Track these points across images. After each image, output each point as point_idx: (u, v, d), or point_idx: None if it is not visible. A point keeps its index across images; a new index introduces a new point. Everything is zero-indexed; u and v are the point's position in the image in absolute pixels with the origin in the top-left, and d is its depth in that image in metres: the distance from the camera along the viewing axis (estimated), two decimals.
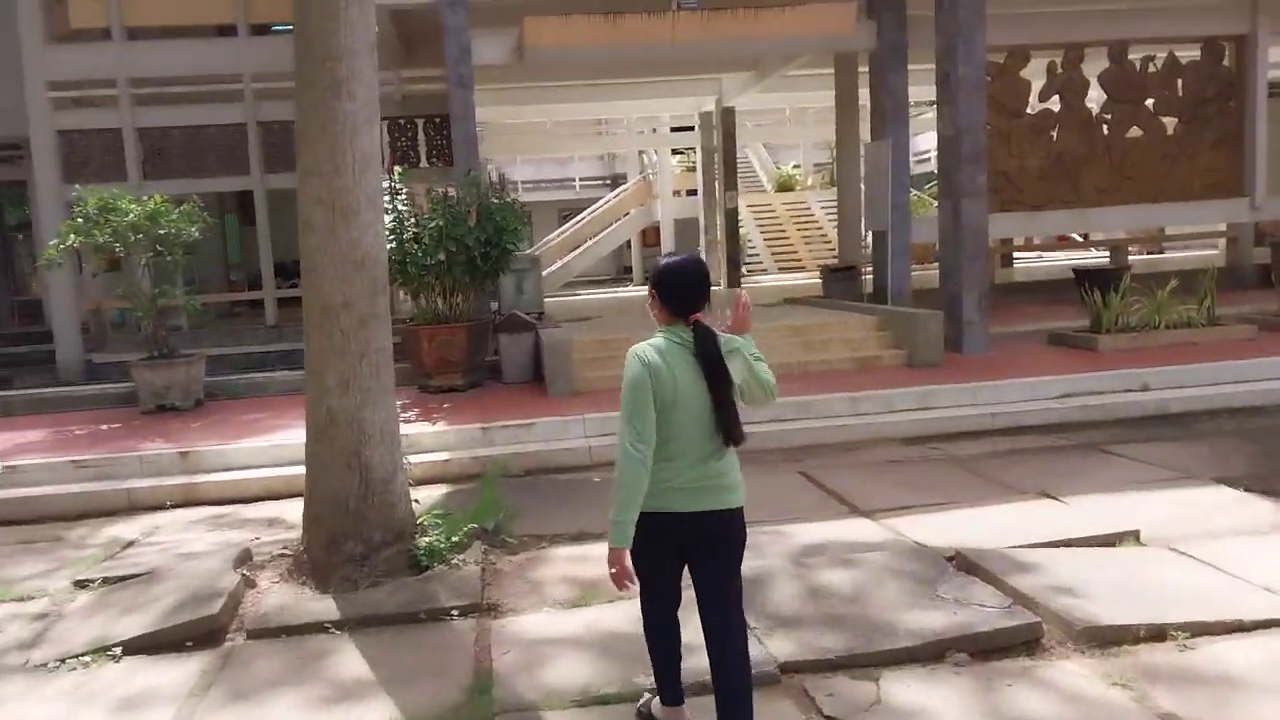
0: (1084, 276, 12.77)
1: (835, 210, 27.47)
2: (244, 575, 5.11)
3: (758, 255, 25.85)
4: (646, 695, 3.50)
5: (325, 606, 4.74)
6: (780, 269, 24.82)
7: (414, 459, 7.62)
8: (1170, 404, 8.38)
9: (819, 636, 3.99)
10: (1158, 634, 3.86)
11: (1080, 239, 22.73)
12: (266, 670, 4.15)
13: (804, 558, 5.01)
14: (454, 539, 5.29)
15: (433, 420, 8.47)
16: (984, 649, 3.87)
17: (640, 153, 31.93)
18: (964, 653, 3.83)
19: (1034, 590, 4.28)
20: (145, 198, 9.40)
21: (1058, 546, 4.95)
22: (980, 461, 7.09)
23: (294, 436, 7.06)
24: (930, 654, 3.83)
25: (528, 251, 12.97)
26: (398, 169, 9.82)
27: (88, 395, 10.57)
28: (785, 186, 30.43)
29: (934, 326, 9.68)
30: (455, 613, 4.62)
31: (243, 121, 13.96)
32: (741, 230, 22.48)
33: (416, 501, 5.60)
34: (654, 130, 25.73)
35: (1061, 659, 3.80)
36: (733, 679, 3.07)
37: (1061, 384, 8.66)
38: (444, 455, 7.74)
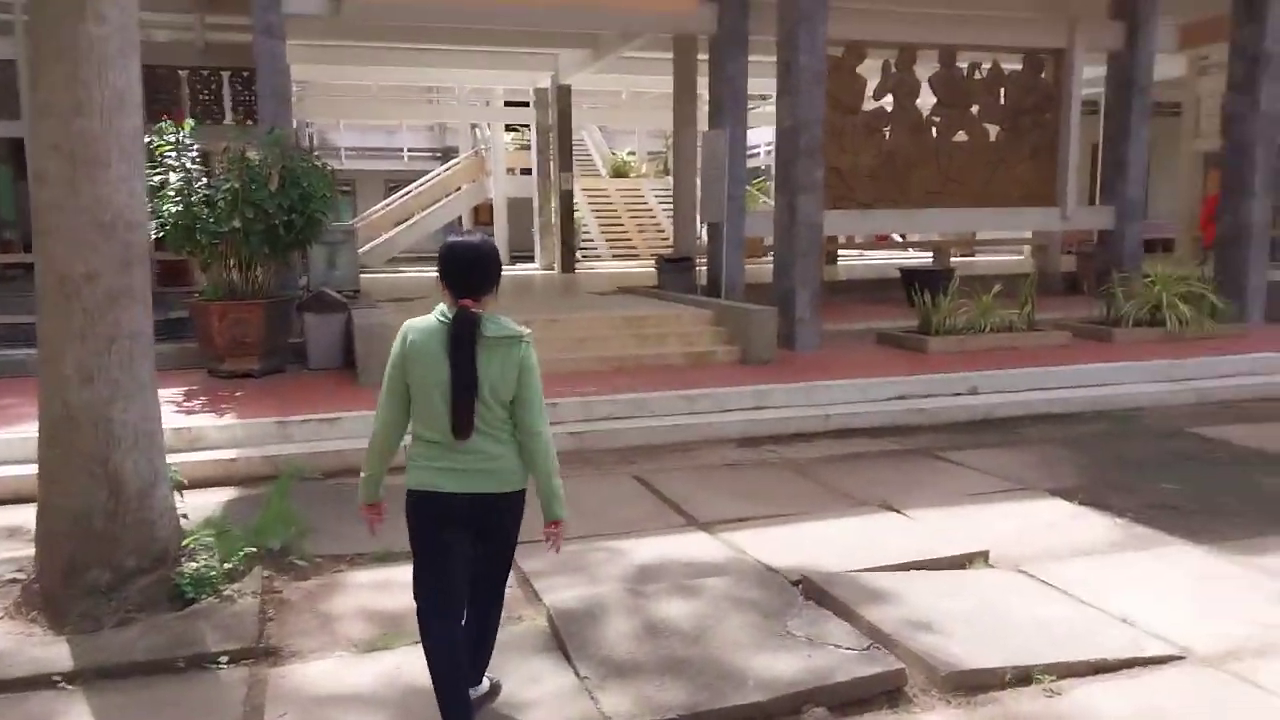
0: (911, 277, 12.95)
1: (670, 199, 27.45)
2: None
3: (593, 240, 25.33)
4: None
5: (56, 652, 3.81)
6: (615, 256, 24.41)
7: (194, 456, 6.63)
8: (997, 409, 8.42)
9: (659, 690, 3.45)
10: (1023, 677, 3.55)
11: (900, 239, 23.54)
12: None
13: (641, 583, 4.48)
14: (229, 564, 4.43)
15: (220, 411, 7.42)
16: (843, 701, 3.44)
17: (473, 126, 30.67)
18: (822, 706, 3.39)
19: (891, 625, 3.91)
20: None
21: (908, 570, 4.63)
22: (818, 467, 6.81)
23: None
24: (785, 709, 3.37)
25: (345, 223, 11.88)
26: (189, 122, 8.60)
27: None
28: (620, 173, 30.06)
29: (768, 323, 9.41)
30: (224, 659, 3.80)
31: (12, 58, 12.23)
32: (576, 214, 21.88)
33: (184, 516, 4.69)
34: (487, 104, 24.65)
35: (927, 710, 3.42)
36: (482, 639, 3.29)
37: (894, 386, 8.56)
38: (230, 453, 6.76)
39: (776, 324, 9.46)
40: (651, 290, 12.54)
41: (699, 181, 12.22)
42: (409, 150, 34.37)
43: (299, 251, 9.23)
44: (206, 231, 8.15)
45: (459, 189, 27.40)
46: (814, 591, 4.33)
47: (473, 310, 2.90)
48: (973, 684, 3.56)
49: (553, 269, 19.86)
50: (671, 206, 26.76)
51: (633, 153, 32.10)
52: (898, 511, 5.64)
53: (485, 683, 3.37)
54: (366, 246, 26.13)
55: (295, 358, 9.28)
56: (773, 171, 12.19)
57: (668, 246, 24.63)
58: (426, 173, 29.37)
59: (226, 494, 6.22)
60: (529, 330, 3.04)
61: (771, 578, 4.53)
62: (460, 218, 29.40)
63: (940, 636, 3.83)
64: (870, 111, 12.48)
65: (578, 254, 20.68)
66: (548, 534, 3.12)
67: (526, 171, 24.75)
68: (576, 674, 3.62)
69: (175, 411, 7.40)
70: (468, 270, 2.94)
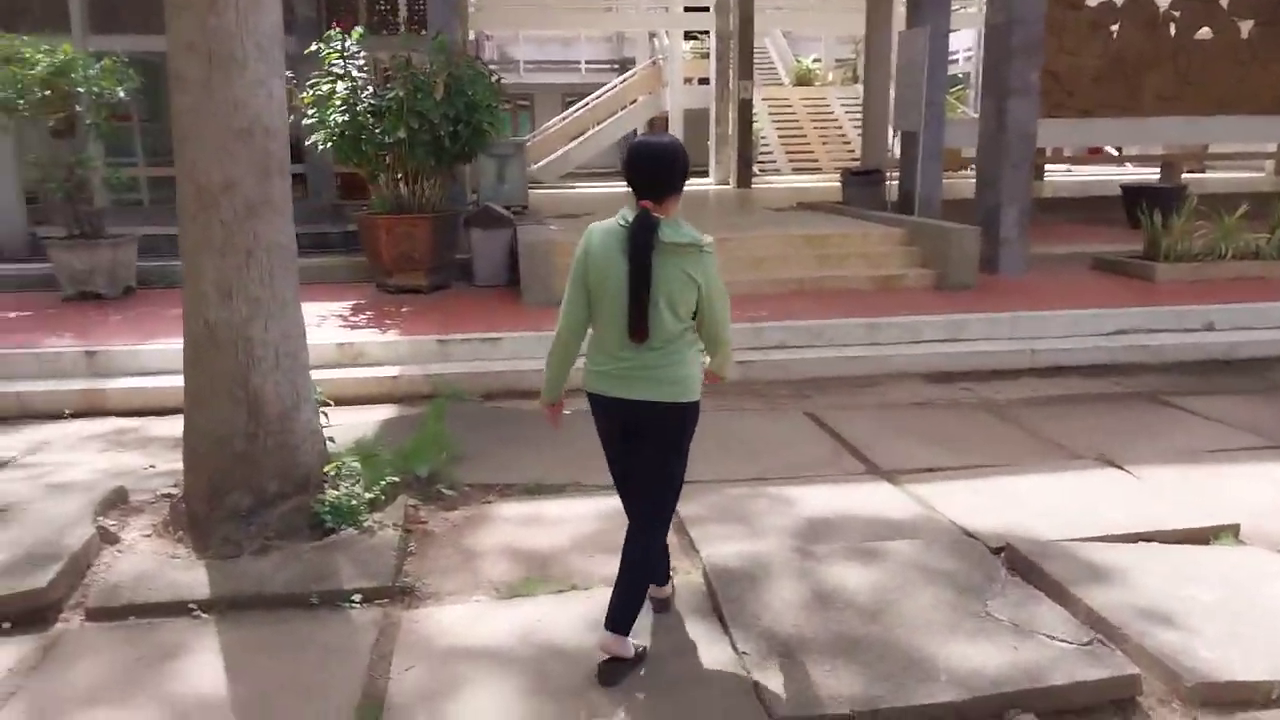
0: (1136, 195, 11.44)
1: (858, 110, 25.77)
2: (100, 528, 4.03)
3: (771, 154, 24.25)
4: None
5: (194, 578, 3.68)
6: (795, 170, 23.30)
7: (357, 373, 6.55)
8: (1240, 348, 7.23)
9: (829, 675, 2.92)
10: None
11: (1116, 152, 21.22)
12: (90, 674, 3.11)
13: (810, 542, 3.93)
14: (372, 492, 4.21)
15: (384, 327, 7.31)
16: (1059, 708, 2.81)
17: (651, 35, 29.87)
18: (1030, 713, 2.77)
19: (1119, 615, 3.20)
20: (58, 49, 8.00)
21: (1137, 542, 3.86)
22: (1021, 410, 5.98)
23: None
24: (985, 712, 2.78)
25: (518, 137, 11.57)
26: (357, 30, 8.38)
27: (14, 276, 9.38)
28: (804, 81, 28.52)
29: (969, 243, 8.44)
30: (357, 598, 3.56)
31: None
32: (755, 126, 20.88)
33: (331, 440, 4.49)
34: (666, 9, 23.76)
35: None
36: (627, 581, 2.99)
37: (1114, 318, 7.49)
38: (393, 370, 6.63)
39: (979, 245, 8.47)
40: (836, 206, 11.65)
41: (893, 87, 11.12)
42: (586, 63, 33.93)
43: (466, 164, 8.95)
44: (372, 142, 7.99)
45: (635, 101, 26.80)
46: (1020, 564, 3.65)
47: (652, 214, 2.77)
48: (1227, 699, 2.85)
49: (728, 184, 19.09)
50: (860, 116, 25.31)
51: (818, 60, 30.37)
52: (1120, 468, 4.80)
53: (630, 645, 3.00)
54: (541, 161, 26.14)
55: (462, 274, 9.12)
56: (975, 77, 10.94)
57: (854, 160, 23.32)
58: (604, 85, 28.90)
59: (386, 412, 6.08)
60: (710, 239, 2.86)
61: (968, 544, 3.87)
62: (636, 131, 28.91)
63: (1183, 633, 3.10)
64: (1097, 6, 10.92)
65: (754, 168, 19.76)
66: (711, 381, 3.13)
67: (704, 81, 23.84)
68: (734, 647, 3.15)
69: (341, 326, 7.35)
70: (648, 171, 2.81)
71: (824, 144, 24.32)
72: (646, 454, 2.97)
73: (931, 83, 10.27)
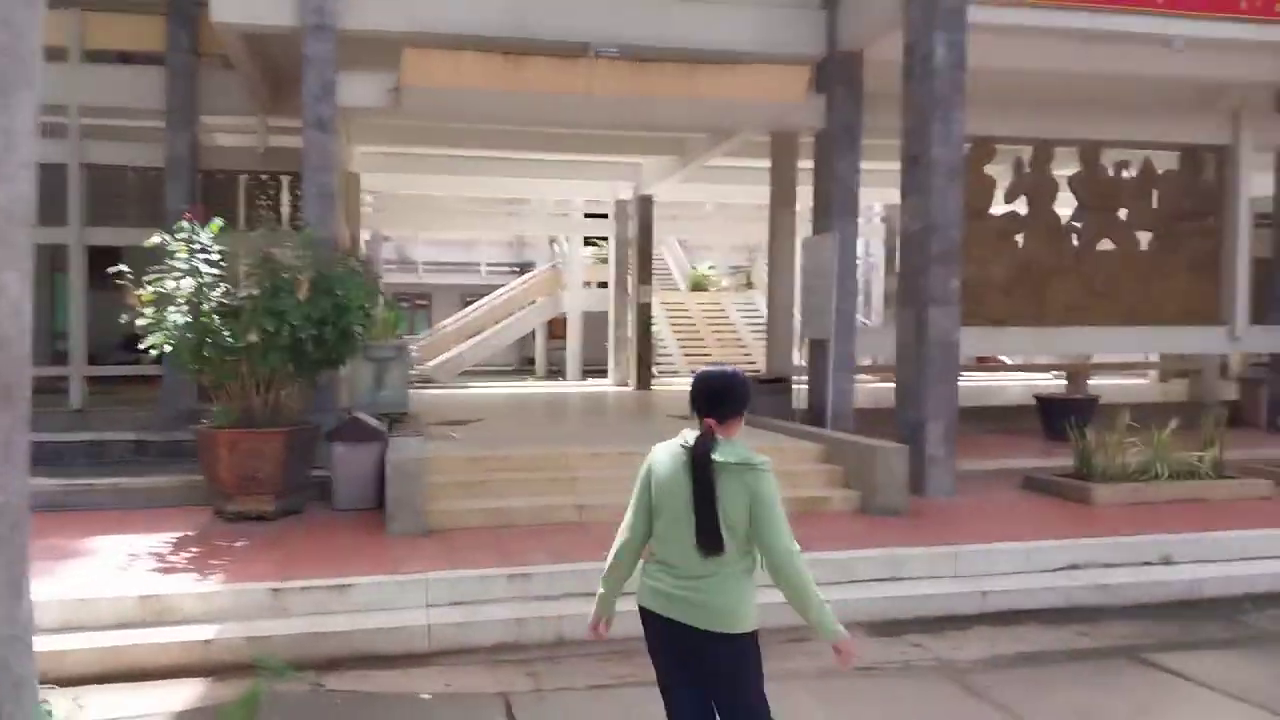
0: (1051, 405, 11.04)
1: (753, 314, 26.06)
2: None
3: (670, 356, 23.89)
4: None
5: None
6: (692, 371, 22.87)
7: (159, 636, 5.11)
8: (1203, 585, 6.43)
9: None
10: None
11: (1006, 361, 21.48)
12: None
13: None
14: None
15: (207, 570, 5.89)
16: None
17: (551, 241, 30.05)
18: None
19: None
20: None
21: None
22: (988, 678, 4.92)
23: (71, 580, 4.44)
24: None
25: (397, 340, 10.60)
26: (215, 221, 7.40)
27: None
28: (700, 287, 28.83)
29: (897, 463, 7.62)
30: None
31: (64, 162, 11.58)
32: (654, 328, 20.51)
33: None
34: (566, 216, 23.82)
35: None
36: None
37: (1063, 551, 6.64)
38: (206, 631, 5.19)
39: (907, 465, 7.66)
40: None
41: (798, 293, 10.66)
42: (487, 264, 33.88)
43: (332, 371, 7.84)
44: (220, 346, 6.83)
45: (534, 302, 26.47)
46: None
47: (713, 432, 2.94)
48: None
49: (627, 385, 18.38)
50: (755, 322, 25.54)
51: (713, 267, 30.94)
52: None
53: None
54: (436, 360, 25.24)
55: (321, 495, 7.81)
56: (866, 285, 10.61)
57: (750, 362, 23.15)
58: (502, 287, 28.61)
59: (183, 694, 4.63)
60: (765, 459, 2.96)
61: None
62: (534, 331, 28.44)
63: None
64: (1001, 216, 10.86)
65: (654, 369, 19.17)
66: (836, 658, 3.01)
67: (603, 285, 23.68)
68: None
69: (153, 569, 5.91)
70: (706, 393, 3.03)
71: (721, 347, 24.15)
72: (709, 693, 2.98)
73: (841, 290, 9.83)
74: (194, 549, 6.42)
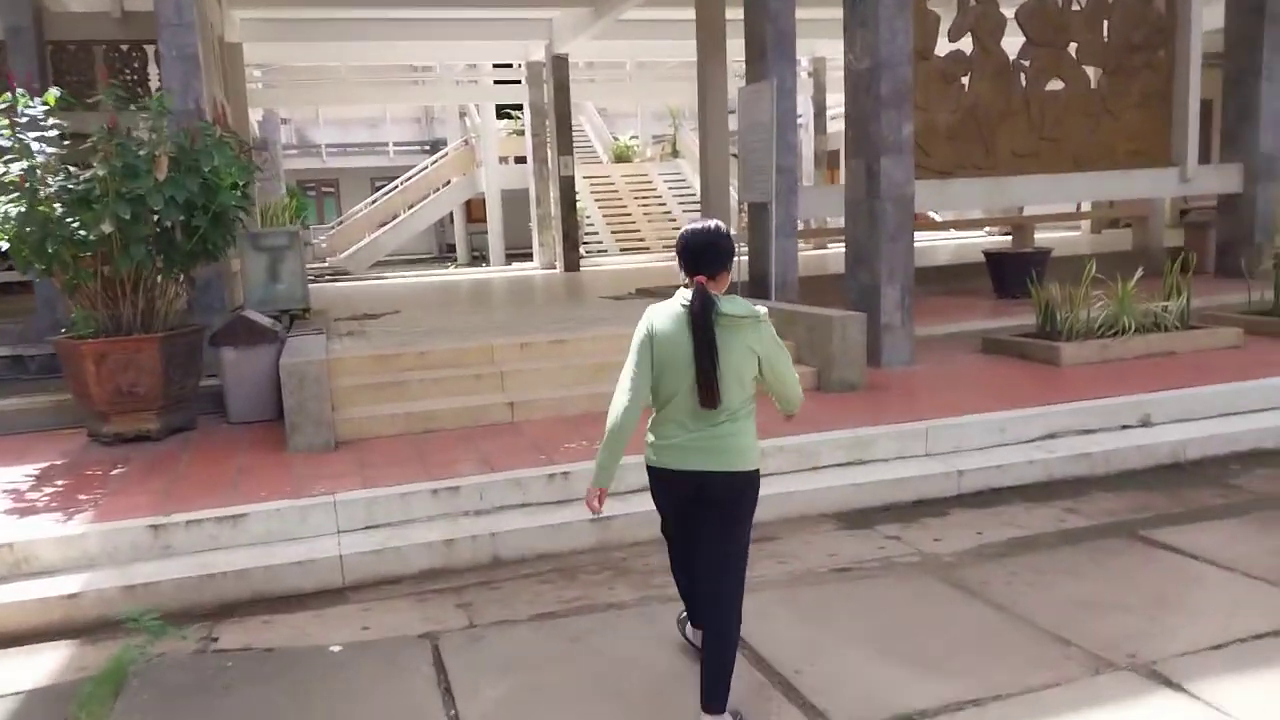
0: (1001, 261, 10.51)
1: (681, 184, 25.00)
2: None
3: (597, 234, 22.89)
4: (683, 611, 3.59)
5: None
6: (622, 250, 21.97)
7: (16, 592, 4.29)
8: (1186, 447, 6.00)
9: None
10: None
11: (935, 218, 21.02)
12: None
13: None
14: None
15: (74, 507, 5.01)
16: None
17: (462, 114, 28.28)
18: None
19: None
20: None
21: None
22: (979, 570, 4.40)
23: None
24: None
25: (292, 226, 9.48)
26: (52, 92, 6.16)
27: None
28: (623, 158, 27.61)
29: (853, 333, 6.98)
30: None
31: None
32: (579, 205, 19.43)
33: None
34: (475, 82, 22.20)
35: None
36: (710, 657, 3.03)
37: (1038, 420, 6.13)
38: (73, 583, 4.38)
39: (864, 334, 7.02)
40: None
41: (735, 153, 9.77)
42: (395, 144, 31.92)
43: (213, 264, 6.79)
44: (66, 240, 5.73)
45: (449, 183, 25.01)
46: None
47: (708, 289, 2.97)
48: None
49: (554, 267, 17.44)
50: (683, 193, 24.50)
51: (635, 136, 29.62)
52: (1171, 683, 3.23)
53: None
54: (348, 250, 23.81)
55: (217, 406, 6.89)
56: (803, 146, 9.78)
57: (676, 235, 22.21)
58: (414, 167, 26.94)
59: (46, 661, 3.83)
60: (764, 310, 3.07)
61: None
62: (451, 214, 27.02)
63: None
64: (946, 56, 10.00)
65: (581, 249, 18.23)
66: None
67: (521, 160, 22.33)
68: None
69: (5, 510, 5.00)
70: (701, 250, 3.02)
71: (650, 221, 23.23)
72: (714, 528, 3.09)
73: (781, 145, 8.96)
74: (61, 481, 5.51)
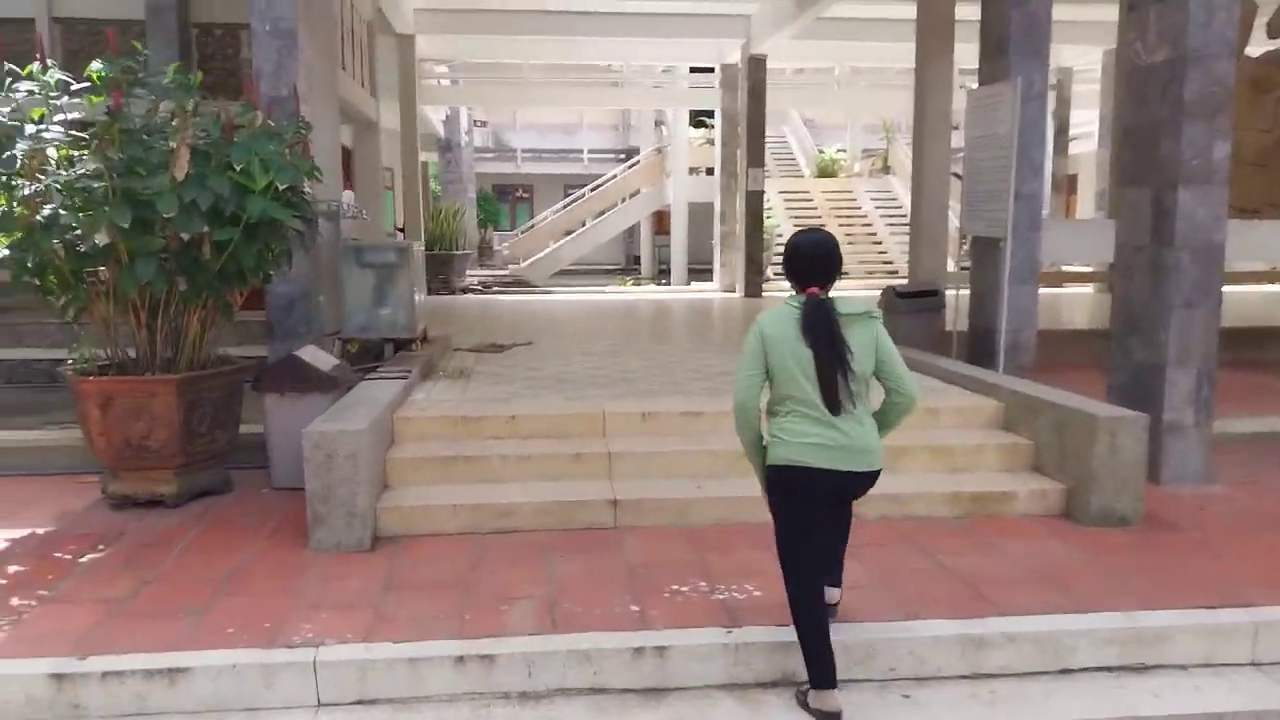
0: None
1: (891, 204, 22.49)
2: None
3: None
4: (801, 685, 3.28)
5: None
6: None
7: None
8: None
9: None
10: None
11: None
12: None
13: None
14: None
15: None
16: None
17: (658, 123, 26.96)
18: None
19: None
20: None
21: None
22: None
23: None
24: None
25: (398, 241, 8.12)
26: (51, 63, 4.90)
27: None
28: (827, 173, 25.34)
29: (1128, 441, 4.71)
30: None
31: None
32: (769, 222, 17.48)
33: None
34: (664, 87, 20.68)
35: None
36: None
37: None
38: None
39: (1144, 443, 4.75)
40: None
41: (957, 173, 7.58)
42: (589, 151, 31.03)
43: (245, 281, 5.37)
44: (49, 249, 4.44)
45: (637, 192, 23.65)
46: None
47: (821, 296, 3.04)
48: None
49: (734, 291, 15.57)
50: (893, 214, 21.97)
51: (843, 150, 27.27)
52: None
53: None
54: (528, 260, 22.89)
55: (265, 460, 5.49)
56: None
57: (887, 265, 19.81)
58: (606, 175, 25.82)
59: None
60: (879, 309, 3.18)
61: None
62: (639, 225, 25.71)
63: None
64: (1260, 58, 7.42)
65: (769, 271, 16.27)
66: None
67: (711, 171, 20.63)
68: None
69: None
70: (807, 264, 3.10)
71: (850, 244, 20.87)
72: (839, 518, 3.41)
73: (1023, 165, 6.74)
74: (14, 567, 4.19)
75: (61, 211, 4.47)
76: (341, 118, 11.75)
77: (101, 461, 4.94)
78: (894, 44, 13.82)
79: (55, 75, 4.75)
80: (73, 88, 4.78)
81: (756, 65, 14.85)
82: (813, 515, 3.14)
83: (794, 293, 3.10)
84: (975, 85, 7.43)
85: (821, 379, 2.96)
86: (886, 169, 24.26)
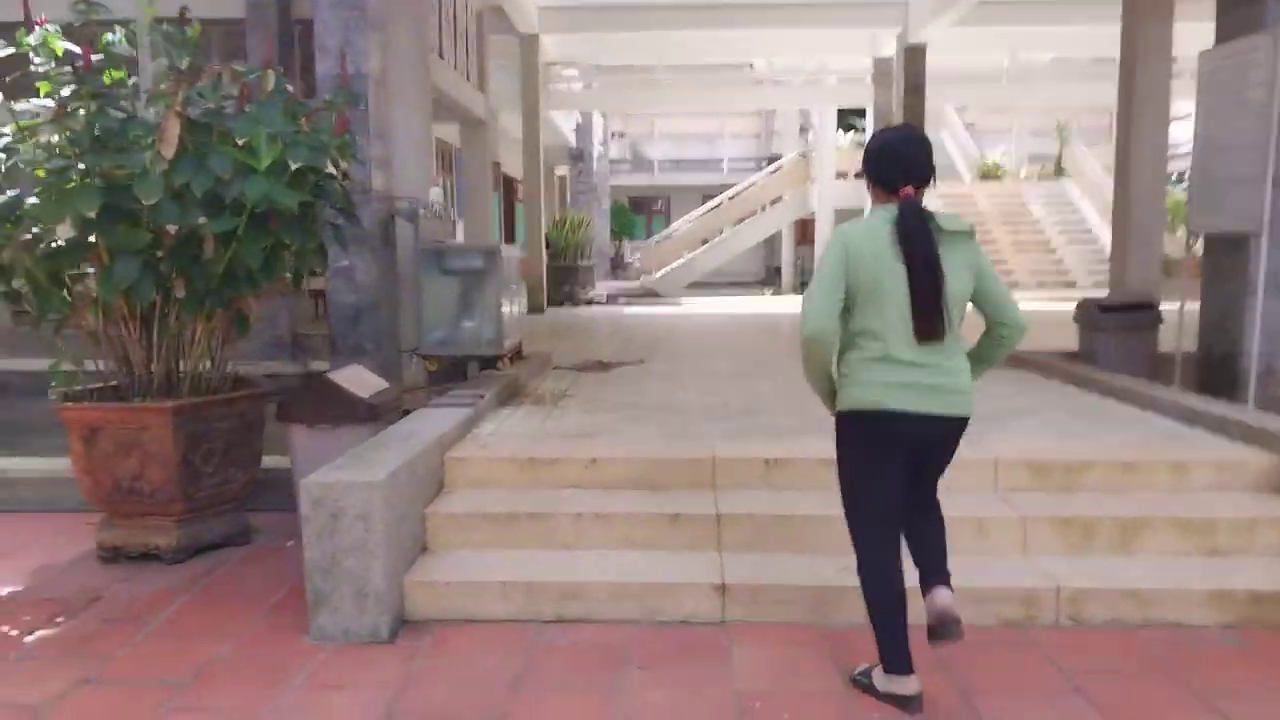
0: None
1: (1063, 209, 20.26)
2: None
3: None
4: (864, 665, 2.89)
5: None
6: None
7: None
8: None
9: None
10: None
11: None
12: None
13: None
14: None
15: None
16: None
17: (803, 130, 25.45)
18: None
19: None
20: None
21: None
22: None
23: None
24: None
25: (488, 244, 7.06)
26: (50, 28, 3.99)
27: None
28: (990, 176, 23.25)
29: None
30: None
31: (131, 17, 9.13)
32: None
33: None
34: (817, 83, 19.22)
35: None
36: (938, 537, 2.78)
37: None
38: None
39: None
40: (1075, 368, 6.34)
41: (1192, 153, 5.91)
42: (730, 160, 29.76)
43: (291, 287, 4.37)
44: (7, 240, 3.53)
45: (779, 199, 22.19)
46: None
47: (917, 201, 2.58)
48: None
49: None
50: (1068, 219, 19.69)
51: (1006, 154, 25.02)
52: None
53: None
54: (661, 271, 21.79)
55: (289, 503, 4.46)
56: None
57: (1063, 275, 17.64)
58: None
59: None
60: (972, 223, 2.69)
61: None
62: (780, 234, 24.23)
63: None
64: None
65: None
66: None
67: (860, 176, 19.04)
68: None
69: None
70: (904, 157, 2.62)
71: (1019, 252, 18.81)
72: (930, 473, 2.78)
73: None
74: None
75: (30, 200, 3.56)
76: (443, 113, 10.97)
77: (95, 504, 4.02)
78: (1077, 27, 12.06)
79: (59, 43, 3.85)
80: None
81: (914, 56, 13.28)
82: (894, 469, 2.67)
83: (877, 204, 2.64)
84: (1204, 48, 5.77)
85: (918, 299, 2.52)
86: (1060, 172, 21.96)
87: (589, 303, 15.86)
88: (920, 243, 2.51)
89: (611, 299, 17.02)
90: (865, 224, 2.61)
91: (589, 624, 3.35)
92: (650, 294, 19.88)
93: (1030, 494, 3.87)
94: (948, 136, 25.64)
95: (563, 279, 15.56)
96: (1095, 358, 6.44)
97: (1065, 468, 3.94)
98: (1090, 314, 6.57)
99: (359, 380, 4.38)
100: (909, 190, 2.56)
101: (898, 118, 13.84)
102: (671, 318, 13.14)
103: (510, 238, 16.92)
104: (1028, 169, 24.05)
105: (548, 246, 15.60)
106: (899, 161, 2.59)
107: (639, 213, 32.15)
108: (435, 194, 6.73)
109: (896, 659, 2.69)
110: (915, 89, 13.51)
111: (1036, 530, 3.62)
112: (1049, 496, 3.85)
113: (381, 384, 4.48)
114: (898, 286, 2.53)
